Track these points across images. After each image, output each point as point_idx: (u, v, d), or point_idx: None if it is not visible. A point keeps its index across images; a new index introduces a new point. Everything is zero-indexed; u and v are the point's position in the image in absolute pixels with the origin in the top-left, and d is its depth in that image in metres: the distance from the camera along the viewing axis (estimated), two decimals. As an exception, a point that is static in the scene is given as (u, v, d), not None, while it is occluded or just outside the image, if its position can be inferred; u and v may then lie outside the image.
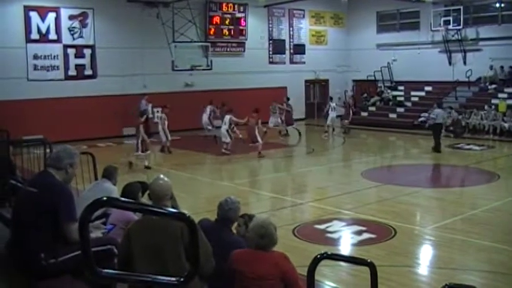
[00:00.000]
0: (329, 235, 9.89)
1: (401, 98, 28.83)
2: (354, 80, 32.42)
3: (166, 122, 19.42)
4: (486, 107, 23.62)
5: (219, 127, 22.28)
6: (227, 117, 19.31)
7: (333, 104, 24.69)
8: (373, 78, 30.30)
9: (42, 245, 4.51)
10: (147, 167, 16.43)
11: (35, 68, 22.31)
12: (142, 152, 16.72)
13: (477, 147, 20.36)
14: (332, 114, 24.33)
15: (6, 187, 7.53)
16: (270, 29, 30.05)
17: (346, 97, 28.53)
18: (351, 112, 25.45)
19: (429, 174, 16.97)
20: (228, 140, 19.22)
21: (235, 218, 5.40)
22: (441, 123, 20.04)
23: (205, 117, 22.72)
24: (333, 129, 24.89)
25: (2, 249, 5.02)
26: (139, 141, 16.68)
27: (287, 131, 24.83)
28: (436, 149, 19.05)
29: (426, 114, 24.77)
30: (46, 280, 4.53)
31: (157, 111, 23.51)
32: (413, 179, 15.13)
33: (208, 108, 22.88)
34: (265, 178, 16.48)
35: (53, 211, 4.52)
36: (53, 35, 22.67)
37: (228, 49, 28.04)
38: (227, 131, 19.20)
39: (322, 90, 32.65)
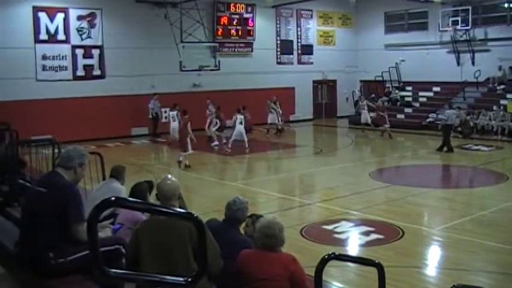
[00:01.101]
0: (337, 236, 9.87)
1: (409, 99, 28.77)
2: (361, 81, 32.31)
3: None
4: (495, 107, 23.51)
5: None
6: (242, 117, 19.43)
7: (363, 103, 24.61)
8: (381, 78, 30.23)
9: (51, 245, 4.54)
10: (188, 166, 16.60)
11: (44, 68, 22.41)
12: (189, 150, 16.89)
13: (485, 148, 20.25)
14: (364, 113, 24.28)
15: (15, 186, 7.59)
16: (278, 29, 30.03)
17: (379, 101, 26.60)
18: (386, 115, 23.75)
19: (437, 175, 16.86)
20: (246, 138, 19.48)
21: (243, 218, 5.39)
22: (451, 125, 19.98)
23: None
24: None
25: (12, 248, 5.05)
26: (188, 139, 16.83)
27: (282, 128, 24.91)
28: (447, 149, 18.99)
29: (434, 115, 24.70)
30: (55, 279, 4.55)
31: (165, 111, 23.77)
32: (421, 179, 15.07)
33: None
34: (273, 178, 16.47)
35: (61, 211, 4.55)
36: (61, 36, 22.77)
37: (236, 49, 28.06)
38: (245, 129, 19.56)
39: (330, 90, 32.61)
